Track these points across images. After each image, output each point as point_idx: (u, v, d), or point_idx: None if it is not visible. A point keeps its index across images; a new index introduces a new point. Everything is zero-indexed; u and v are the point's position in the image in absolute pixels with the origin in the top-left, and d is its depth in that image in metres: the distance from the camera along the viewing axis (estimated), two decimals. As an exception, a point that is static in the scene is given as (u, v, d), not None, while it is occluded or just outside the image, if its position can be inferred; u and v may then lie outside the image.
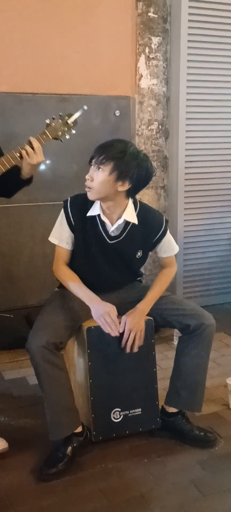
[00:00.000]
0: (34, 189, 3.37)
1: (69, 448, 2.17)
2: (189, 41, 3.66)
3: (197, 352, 2.32)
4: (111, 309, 2.17)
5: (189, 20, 3.63)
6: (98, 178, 2.13)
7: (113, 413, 2.30)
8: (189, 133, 3.80)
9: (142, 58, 3.65)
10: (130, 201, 2.27)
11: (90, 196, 2.19)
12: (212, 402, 2.69)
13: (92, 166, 2.16)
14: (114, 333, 2.16)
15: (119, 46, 3.52)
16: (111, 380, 2.29)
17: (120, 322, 2.20)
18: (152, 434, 2.38)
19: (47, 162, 3.40)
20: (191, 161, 3.86)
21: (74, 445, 2.18)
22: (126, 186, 2.16)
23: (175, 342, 3.39)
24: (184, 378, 2.35)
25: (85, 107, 2.37)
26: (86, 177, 2.18)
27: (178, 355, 2.39)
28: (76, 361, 2.43)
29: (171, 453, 2.29)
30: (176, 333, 3.43)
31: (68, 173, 3.46)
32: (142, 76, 3.67)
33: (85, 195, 2.27)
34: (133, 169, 2.13)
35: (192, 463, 2.22)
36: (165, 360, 3.16)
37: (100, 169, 2.12)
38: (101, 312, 2.15)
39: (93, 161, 2.15)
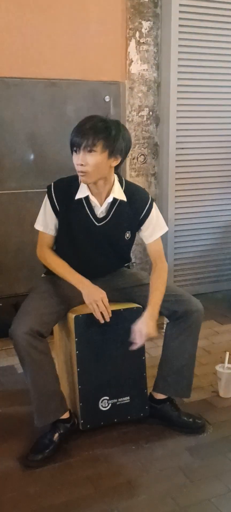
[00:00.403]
0: (23, 176, 3.36)
1: (56, 435, 2.15)
2: (180, 25, 3.61)
3: (184, 338, 2.30)
4: (104, 295, 2.15)
5: (180, 5, 3.59)
6: (93, 160, 2.07)
7: (102, 402, 2.28)
8: (180, 120, 3.77)
9: (132, 43, 3.60)
10: (116, 178, 2.24)
11: (86, 180, 2.14)
12: (202, 389, 2.68)
13: (81, 151, 2.08)
14: (106, 318, 2.15)
15: (108, 30, 3.48)
16: (100, 368, 2.27)
17: None
18: (140, 421, 2.36)
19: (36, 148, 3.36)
20: (182, 148, 3.83)
21: (61, 431, 2.16)
22: (118, 160, 2.15)
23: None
24: (171, 364, 2.33)
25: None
26: (79, 163, 2.10)
27: (166, 341, 2.37)
28: (64, 350, 2.40)
29: (159, 439, 2.27)
30: (166, 321, 3.41)
31: (57, 160, 3.41)
32: (132, 61, 3.63)
33: (70, 178, 2.24)
34: (120, 142, 2.11)
35: (180, 450, 2.21)
36: (155, 348, 3.13)
37: (92, 152, 2.07)
38: (95, 298, 2.14)
39: (82, 145, 2.07)
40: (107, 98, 3.48)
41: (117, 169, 2.24)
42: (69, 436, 2.21)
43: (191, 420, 2.34)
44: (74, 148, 2.11)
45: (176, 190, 3.87)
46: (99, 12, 3.42)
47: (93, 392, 2.26)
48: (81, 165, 2.09)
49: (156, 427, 2.34)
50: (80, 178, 2.17)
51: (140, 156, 3.79)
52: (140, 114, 3.73)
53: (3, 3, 3.17)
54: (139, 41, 3.62)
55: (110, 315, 2.18)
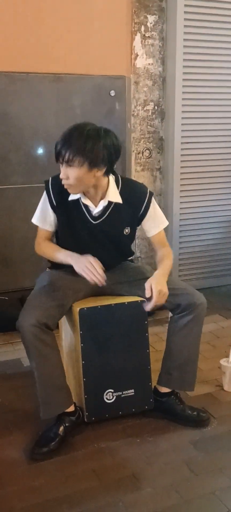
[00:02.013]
0: (28, 171, 3.37)
1: (61, 428, 2.16)
2: (185, 19, 3.61)
3: (188, 331, 2.31)
4: (92, 258, 2.16)
5: (185, -2, 3.58)
6: (73, 174, 2.08)
7: (106, 394, 2.29)
8: (185, 114, 3.76)
9: (138, 37, 3.60)
10: (111, 178, 2.24)
11: (72, 191, 2.16)
12: (206, 383, 2.68)
13: (63, 164, 2.08)
14: (100, 281, 2.14)
15: (114, 25, 3.47)
16: (104, 361, 2.28)
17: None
18: (145, 415, 2.37)
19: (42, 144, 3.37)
20: (187, 143, 3.82)
21: (66, 424, 2.18)
22: (102, 169, 2.12)
23: (170, 324, 3.39)
24: (175, 357, 2.34)
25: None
26: (61, 176, 2.11)
27: (169, 334, 2.38)
28: (69, 343, 2.42)
29: (163, 433, 2.28)
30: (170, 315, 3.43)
31: (62, 154, 3.42)
32: (137, 55, 3.62)
33: None
34: (100, 152, 2.07)
35: (185, 443, 2.22)
36: (159, 342, 3.15)
37: (71, 167, 2.07)
38: (84, 262, 2.15)
39: (61, 159, 2.07)
40: (112, 93, 3.48)
41: (109, 174, 2.21)
42: (74, 429, 2.22)
43: (195, 413, 2.35)
44: (57, 159, 2.11)
45: (181, 185, 3.87)
46: (104, 6, 3.42)
47: (98, 385, 2.28)
48: (63, 178, 2.11)
49: (160, 421, 2.35)
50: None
51: (145, 150, 3.79)
52: (145, 108, 3.73)
53: (11, 1, 3.17)
54: (144, 35, 3.62)
55: (104, 277, 2.16)
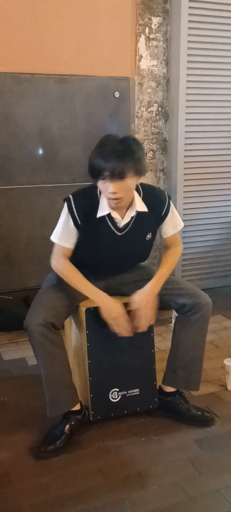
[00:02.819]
0: (33, 171, 3.39)
1: (67, 426, 2.19)
2: (189, 21, 3.62)
3: (193, 331, 2.33)
4: (123, 311, 2.19)
5: (190, 0, 3.59)
6: (125, 186, 2.09)
7: (112, 393, 2.32)
8: (189, 115, 3.78)
9: (142, 39, 3.61)
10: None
11: (121, 205, 2.15)
12: (210, 383, 2.70)
13: (112, 180, 2.06)
14: (125, 334, 2.20)
15: (118, 26, 3.49)
16: (110, 360, 2.31)
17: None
18: (150, 414, 2.40)
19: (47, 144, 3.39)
20: (191, 144, 3.84)
21: (72, 423, 2.20)
22: (143, 176, 2.19)
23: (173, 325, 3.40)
24: (180, 357, 2.36)
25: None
26: (111, 191, 2.07)
27: (175, 334, 2.40)
28: (75, 342, 2.44)
29: (168, 432, 2.31)
30: (174, 315, 3.44)
31: (67, 155, 3.45)
32: (141, 57, 3.64)
33: (87, 192, 2.23)
34: (143, 159, 2.17)
35: (189, 442, 2.24)
36: (163, 342, 3.18)
37: (123, 179, 2.07)
38: (114, 316, 2.17)
39: (114, 174, 2.04)
40: (117, 94, 3.50)
41: None
42: (80, 428, 2.24)
43: (199, 413, 2.37)
44: (102, 177, 2.08)
45: (184, 186, 3.89)
46: (109, 8, 3.44)
47: (103, 384, 2.30)
48: (115, 193, 2.09)
49: (165, 420, 2.37)
50: (111, 204, 2.15)
51: (149, 151, 3.81)
52: (149, 109, 3.75)
53: (17, 2, 3.19)
54: (148, 37, 3.64)
55: (129, 331, 2.21)
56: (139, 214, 2.25)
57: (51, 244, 2.30)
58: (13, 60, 3.25)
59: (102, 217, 2.20)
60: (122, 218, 2.22)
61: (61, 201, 2.28)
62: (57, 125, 3.40)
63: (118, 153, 2.05)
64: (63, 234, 2.23)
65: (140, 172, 2.13)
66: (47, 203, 3.43)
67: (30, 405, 2.50)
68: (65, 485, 1.98)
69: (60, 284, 2.26)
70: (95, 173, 2.10)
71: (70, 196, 2.22)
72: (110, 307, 2.18)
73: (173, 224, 2.38)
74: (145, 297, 2.22)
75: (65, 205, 2.21)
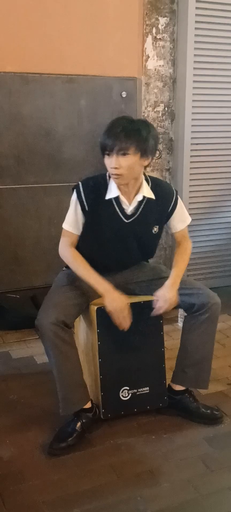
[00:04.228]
0: (41, 170, 3.41)
1: (79, 424, 2.21)
2: (196, 22, 3.63)
3: (203, 330, 2.35)
4: (126, 306, 2.20)
5: (197, 1, 3.60)
6: (126, 163, 2.12)
7: (122, 392, 2.34)
8: (195, 116, 3.79)
9: (149, 39, 3.63)
10: (142, 176, 2.29)
11: (120, 182, 2.19)
12: (218, 382, 2.73)
13: (114, 155, 2.11)
14: (125, 328, 2.21)
15: (125, 27, 3.51)
16: (120, 359, 2.33)
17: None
18: (159, 412, 2.42)
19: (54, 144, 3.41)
20: (197, 144, 3.86)
21: (84, 421, 2.22)
22: (149, 159, 2.20)
23: (179, 324, 3.43)
24: (190, 356, 2.38)
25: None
26: (113, 166, 2.13)
27: (184, 333, 2.42)
28: (85, 341, 2.46)
29: (178, 430, 2.33)
30: (180, 315, 3.46)
31: (74, 155, 3.46)
32: (148, 57, 3.66)
33: (96, 178, 2.27)
34: (151, 141, 2.17)
35: (199, 440, 2.26)
36: (170, 340, 3.19)
37: (126, 155, 2.11)
38: (117, 307, 2.18)
39: (115, 149, 2.10)
40: (124, 94, 3.52)
41: (150, 164, 2.29)
42: (91, 426, 2.26)
43: (209, 411, 2.39)
44: (107, 152, 2.14)
45: (190, 186, 3.90)
46: (116, 8, 3.45)
47: (114, 382, 2.32)
48: (116, 168, 2.13)
49: (175, 418, 2.39)
50: (114, 180, 2.20)
51: (155, 151, 3.82)
52: (155, 109, 3.76)
53: (24, 2, 3.20)
54: (155, 37, 3.65)
55: (128, 324, 2.22)
56: (147, 203, 2.28)
57: (58, 242, 2.34)
58: (21, 60, 3.26)
59: (110, 202, 2.24)
60: (130, 204, 2.25)
61: (68, 201, 2.32)
62: (65, 125, 3.42)
63: (123, 129, 2.11)
64: (73, 220, 2.28)
65: (144, 152, 2.14)
66: (54, 202, 3.45)
67: (40, 403, 2.52)
68: (78, 482, 2.00)
69: (71, 284, 2.28)
70: (102, 148, 2.16)
71: (80, 182, 2.28)
72: (115, 298, 2.19)
73: (182, 218, 2.40)
74: (168, 294, 2.23)
75: (75, 191, 2.27)
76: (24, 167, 3.35)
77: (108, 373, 2.30)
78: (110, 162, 2.14)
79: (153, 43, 3.65)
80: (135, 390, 2.36)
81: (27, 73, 3.28)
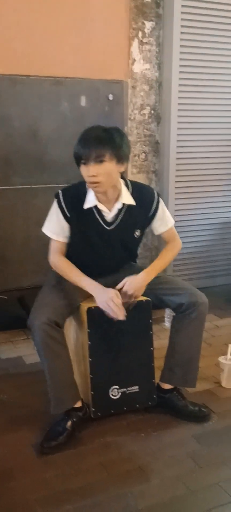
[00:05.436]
0: (29, 172, 3.42)
1: (69, 423, 2.23)
2: (181, 26, 3.69)
3: (190, 330, 2.39)
4: (114, 294, 2.21)
5: (182, 6, 3.66)
6: (104, 170, 2.14)
7: (112, 391, 2.37)
8: (181, 118, 3.85)
9: (135, 43, 3.67)
10: (122, 182, 2.31)
11: (100, 190, 2.21)
12: (205, 380, 2.77)
13: (90, 163, 2.13)
14: (120, 316, 2.21)
15: (112, 30, 3.54)
16: (110, 358, 2.36)
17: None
18: (148, 410, 2.45)
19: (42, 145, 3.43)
20: (183, 146, 3.91)
21: (74, 419, 2.24)
22: (125, 165, 2.23)
23: (166, 324, 3.47)
24: (178, 355, 2.42)
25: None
26: (90, 174, 2.15)
27: (172, 333, 2.46)
28: (75, 340, 2.48)
29: (166, 428, 2.37)
30: (167, 315, 3.51)
31: (62, 157, 3.47)
32: (134, 60, 3.70)
33: (77, 186, 2.30)
34: (124, 148, 2.21)
35: (188, 437, 2.30)
36: (157, 340, 3.19)
37: (103, 162, 2.14)
38: (105, 299, 2.20)
39: (91, 157, 2.12)
40: (110, 97, 3.55)
41: (122, 174, 2.32)
42: (81, 425, 2.29)
43: (196, 409, 2.44)
44: (82, 161, 2.16)
45: (176, 187, 3.96)
46: (103, 12, 3.49)
47: (104, 381, 2.35)
48: (93, 176, 2.15)
49: (163, 416, 2.43)
50: (92, 189, 2.23)
51: (141, 153, 3.87)
52: (141, 112, 3.81)
53: (10, 2, 3.22)
54: (141, 41, 3.69)
55: (124, 313, 2.23)
56: (128, 209, 2.31)
57: (46, 243, 2.38)
58: (9, 62, 3.27)
59: (91, 210, 2.27)
60: (110, 211, 2.28)
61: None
62: (52, 127, 3.44)
63: (96, 138, 2.14)
64: (54, 228, 2.31)
65: (120, 158, 2.18)
66: (42, 203, 3.43)
67: (30, 402, 2.53)
68: (69, 480, 2.02)
69: (62, 284, 2.30)
70: (77, 158, 2.19)
71: (60, 191, 2.31)
72: (103, 293, 2.21)
73: (163, 222, 2.44)
74: (135, 281, 2.27)
75: (55, 200, 2.30)
76: (12, 169, 3.36)
77: (98, 373, 2.33)
78: (88, 170, 2.15)
79: (139, 46, 3.69)
80: (125, 389, 2.39)
81: (15, 75, 3.29)
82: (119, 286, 2.28)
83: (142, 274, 2.31)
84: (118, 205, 2.29)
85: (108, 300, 2.19)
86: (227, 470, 2.10)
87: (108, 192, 2.25)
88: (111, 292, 2.21)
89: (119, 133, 2.22)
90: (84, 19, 3.44)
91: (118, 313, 2.20)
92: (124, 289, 2.27)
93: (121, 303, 2.22)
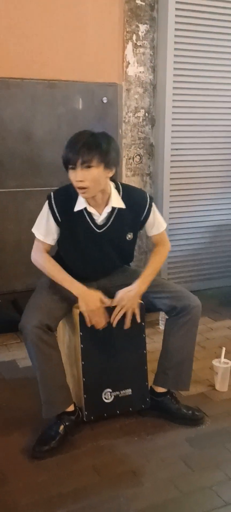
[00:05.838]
0: (21, 175, 3.41)
1: (62, 427, 2.22)
2: (176, 29, 3.70)
3: (184, 333, 2.39)
4: (100, 307, 2.23)
5: (176, 9, 3.67)
6: (91, 175, 2.14)
7: (105, 394, 2.36)
8: (175, 121, 3.86)
9: (129, 46, 3.68)
10: (112, 186, 2.31)
11: (87, 195, 2.21)
12: (199, 383, 2.77)
13: (78, 168, 2.13)
14: (100, 327, 2.25)
15: (106, 33, 3.54)
16: (103, 361, 2.35)
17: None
18: (141, 413, 2.45)
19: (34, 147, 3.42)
20: (177, 149, 3.92)
21: (66, 423, 2.23)
22: (113, 170, 2.23)
23: (161, 326, 3.47)
24: (171, 358, 2.42)
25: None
26: (77, 179, 2.15)
27: (166, 336, 2.46)
28: (68, 343, 2.48)
29: (160, 431, 2.36)
30: (162, 318, 3.51)
31: (55, 159, 3.44)
32: (129, 63, 3.70)
33: (68, 188, 2.29)
34: (112, 153, 2.20)
35: (181, 440, 2.30)
36: (151, 343, 3.22)
37: (90, 167, 2.14)
38: (90, 309, 2.22)
39: (78, 162, 2.13)
40: (105, 100, 3.55)
41: (112, 179, 2.31)
42: (73, 428, 2.27)
43: (190, 412, 2.43)
44: (70, 166, 2.16)
45: (170, 190, 3.96)
46: (97, 15, 3.49)
47: (97, 385, 2.34)
48: (81, 181, 2.15)
49: (157, 419, 2.42)
50: (80, 194, 2.22)
51: (135, 156, 3.87)
52: (136, 115, 3.81)
53: (4, 5, 3.21)
54: (135, 44, 3.70)
55: (104, 323, 2.26)
56: (118, 212, 2.31)
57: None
58: (2, 64, 3.26)
59: (81, 213, 2.27)
60: (100, 215, 2.28)
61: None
62: (46, 130, 3.44)
63: (84, 143, 2.13)
64: (44, 230, 2.30)
65: (107, 163, 2.17)
66: (34, 206, 3.40)
67: (22, 406, 2.52)
68: (62, 483, 2.01)
69: (55, 287, 2.29)
70: (65, 163, 2.19)
71: (52, 193, 2.31)
72: (88, 300, 2.22)
73: (155, 225, 2.43)
74: (128, 295, 2.28)
75: (46, 202, 2.30)
76: (5, 171, 3.35)
77: (91, 376, 2.32)
78: (75, 175, 2.15)
79: (133, 49, 3.70)
80: (118, 392, 2.38)
81: (8, 78, 3.28)
82: (114, 303, 2.28)
83: (134, 286, 2.31)
84: (108, 209, 2.29)
85: (92, 312, 2.22)
86: (219, 473, 2.09)
87: (96, 197, 2.25)
88: (97, 305, 2.23)
89: (106, 138, 2.21)
90: (78, 21, 3.44)
91: (99, 325, 2.24)
92: (117, 304, 2.28)
93: (103, 310, 2.24)
